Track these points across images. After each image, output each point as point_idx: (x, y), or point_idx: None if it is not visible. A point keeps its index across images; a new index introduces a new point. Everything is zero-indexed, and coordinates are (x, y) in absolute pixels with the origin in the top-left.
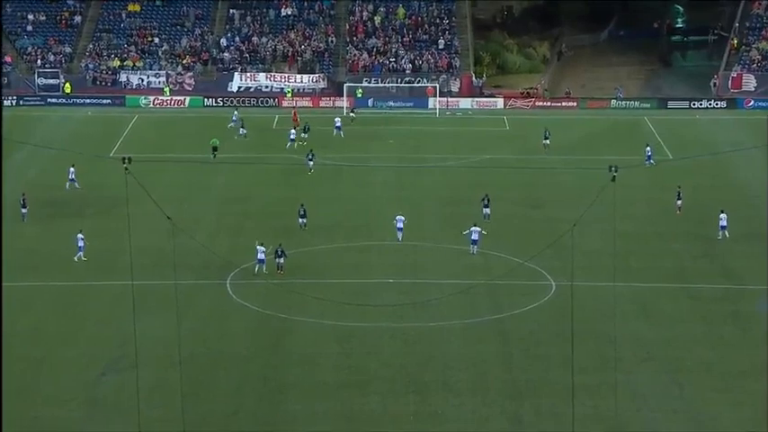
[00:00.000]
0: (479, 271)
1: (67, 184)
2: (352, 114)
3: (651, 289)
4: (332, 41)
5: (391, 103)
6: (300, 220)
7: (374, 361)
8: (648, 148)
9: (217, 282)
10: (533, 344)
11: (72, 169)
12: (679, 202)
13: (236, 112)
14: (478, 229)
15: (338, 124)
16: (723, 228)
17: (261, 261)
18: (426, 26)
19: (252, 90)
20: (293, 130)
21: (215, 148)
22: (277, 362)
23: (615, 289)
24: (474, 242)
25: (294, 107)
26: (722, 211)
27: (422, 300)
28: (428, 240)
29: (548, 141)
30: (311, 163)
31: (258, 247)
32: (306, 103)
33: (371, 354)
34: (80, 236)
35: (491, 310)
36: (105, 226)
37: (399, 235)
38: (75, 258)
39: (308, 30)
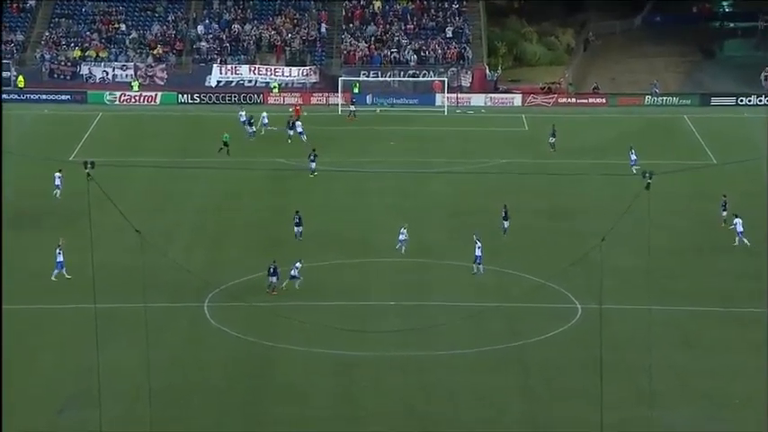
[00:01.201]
0: (493, 292)
1: (57, 192)
2: (352, 107)
3: (691, 313)
4: (325, 29)
5: (393, 100)
6: (296, 228)
7: (373, 394)
8: (633, 151)
9: (192, 304)
10: (556, 375)
11: (58, 175)
12: (724, 212)
13: (242, 112)
14: (480, 244)
15: (265, 121)
16: (740, 233)
17: (292, 278)
18: (433, 11)
19: (233, 85)
20: (299, 123)
21: (226, 144)
22: (261, 395)
23: (650, 313)
24: (477, 259)
25: (296, 104)
26: (736, 216)
27: (427, 325)
28: (434, 257)
29: (553, 140)
30: (313, 164)
31: (297, 264)
32: (295, 99)
33: (370, 386)
34: (58, 250)
35: (507, 336)
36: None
37: (398, 245)
38: (54, 277)
39: (297, 16)
